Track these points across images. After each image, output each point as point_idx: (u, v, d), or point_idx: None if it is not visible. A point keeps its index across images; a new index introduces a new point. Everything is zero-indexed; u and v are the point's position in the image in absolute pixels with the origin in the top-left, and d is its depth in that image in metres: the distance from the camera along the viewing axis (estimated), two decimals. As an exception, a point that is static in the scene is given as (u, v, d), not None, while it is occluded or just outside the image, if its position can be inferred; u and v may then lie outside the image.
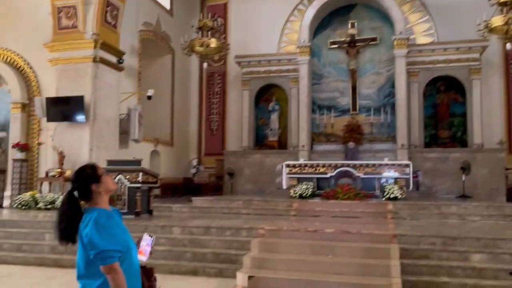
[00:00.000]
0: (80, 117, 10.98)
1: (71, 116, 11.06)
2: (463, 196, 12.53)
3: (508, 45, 12.24)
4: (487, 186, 13.05)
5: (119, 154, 11.55)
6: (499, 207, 10.01)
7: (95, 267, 2.35)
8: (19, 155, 11.53)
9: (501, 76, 14.48)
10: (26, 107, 11.96)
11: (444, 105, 14.60)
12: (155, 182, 9.50)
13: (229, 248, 7.13)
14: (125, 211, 8.69)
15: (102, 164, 9.68)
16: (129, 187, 8.84)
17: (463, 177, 12.69)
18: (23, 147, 11.51)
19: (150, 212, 9.22)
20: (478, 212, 9.67)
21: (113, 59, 11.93)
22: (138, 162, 9.20)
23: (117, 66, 12.08)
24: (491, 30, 12.16)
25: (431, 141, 14.46)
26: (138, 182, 8.84)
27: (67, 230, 2.42)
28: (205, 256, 7.01)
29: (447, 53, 14.07)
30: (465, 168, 12.75)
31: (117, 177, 8.80)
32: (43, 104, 11.24)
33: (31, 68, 12.05)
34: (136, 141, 12.37)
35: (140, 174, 8.87)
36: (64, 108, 11.11)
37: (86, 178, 2.51)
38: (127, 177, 8.83)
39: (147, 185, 9.09)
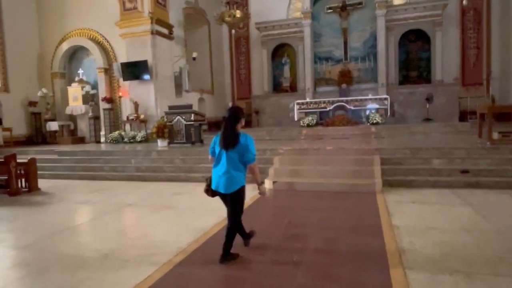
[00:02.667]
0: (146, 76, 10.76)
1: (140, 75, 10.84)
2: (427, 119, 12.19)
3: (464, 2, 11.12)
4: (445, 111, 12.65)
5: (176, 101, 11.40)
6: (453, 125, 9.64)
7: (240, 164, 3.04)
8: (107, 105, 11.55)
9: (458, 28, 13.38)
10: (107, 71, 11.78)
11: (414, 52, 13.80)
12: (203, 120, 9.38)
13: (258, 164, 7.08)
14: (184, 141, 8.71)
15: (164, 109, 9.63)
16: (185, 124, 8.76)
17: (427, 105, 12.25)
18: (109, 100, 11.50)
19: (201, 141, 9.20)
20: (437, 129, 9.36)
21: (165, 31, 11.41)
22: (190, 106, 9.04)
23: (169, 36, 11.58)
24: (453, -11, 11.03)
25: (404, 80, 13.81)
26: (191, 121, 8.74)
27: (233, 141, 2.97)
28: (242, 170, 7.03)
29: (416, 11, 13.16)
30: (429, 99, 12.30)
31: (176, 118, 8.72)
32: (119, 67, 11.02)
33: (107, 41, 11.71)
34: (187, 91, 12.16)
35: (192, 115, 8.73)
36: (134, 70, 10.88)
37: (240, 115, 3.08)
38: (183, 117, 8.72)
39: (197, 122, 8.98)
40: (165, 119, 8.81)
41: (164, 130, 8.53)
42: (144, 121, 10.71)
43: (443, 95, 12.77)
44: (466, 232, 3.63)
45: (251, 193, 5.71)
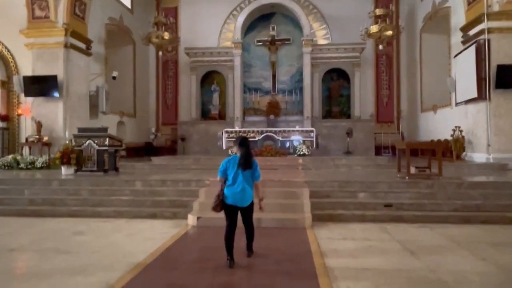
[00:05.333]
0: (55, 93, 9.42)
1: (47, 92, 9.48)
2: (348, 152, 12.77)
3: (380, 47, 12.29)
4: (363, 145, 13.41)
5: (90, 123, 10.20)
6: (373, 159, 10.18)
7: (251, 181, 3.74)
8: (1, 124, 9.75)
9: (373, 69, 14.77)
10: (5, 84, 10.06)
11: (336, 88, 14.71)
12: (120, 146, 8.38)
13: (181, 196, 6.41)
14: (94, 169, 7.59)
15: (73, 131, 8.41)
16: (97, 150, 7.68)
17: (348, 139, 12.90)
18: (4, 118, 9.75)
19: (116, 169, 8.15)
20: (359, 163, 9.75)
21: (82, 45, 10.33)
22: (104, 129, 8.02)
23: (86, 52, 10.49)
24: (369, 35, 12.14)
25: (327, 114, 14.53)
26: (105, 146, 7.70)
27: (251, 163, 3.71)
28: (162, 203, 6.25)
29: (338, 51, 14.14)
30: (349, 133, 12.96)
31: (87, 142, 7.61)
32: (21, 81, 9.51)
33: (8, 51, 10.08)
34: (104, 113, 10.99)
35: (107, 139, 7.71)
36: (40, 85, 9.51)
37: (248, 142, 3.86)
38: (96, 141, 7.65)
39: (113, 148, 7.97)
40: (73, 143, 7.63)
41: (71, 156, 7.34)
42: (48, 144, 9.23)
43: (361, 130, 13.61)
44: (399, 272, 3.47)
45: (171, 231, 5.00)
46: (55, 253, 4.13)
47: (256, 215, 5.38)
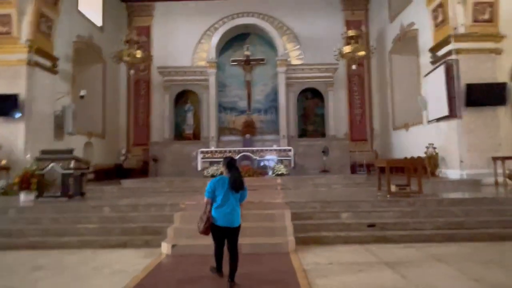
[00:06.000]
0: (15, 113, 8.76)
1: (6, 112, 8.78)
2: (324, 171, 12.74)
3: (353, 66, 12.56)
4: (338, 163, 13.37)
5: (55, 145, 9.50)
6: (351, 177, 10.12)
7: (239, 202, 3.82)
8: (-47, 147, 8.89)
9: (345, 89, 15.02)
10: (-40, 103, 9.24)
11: (311, 107, 14.77)
12: (87, 168, 7.81)
13: (154, 222, 5.94)
14: (58, 194, 6.96)
15: (36, 154, 7.77)
16: (62, 173, 7.08)
17: (324, 158, 12.89)
18: (-44, 140, 8.89)
19: (82, 194, 7.53)
20: (338, 181, 9.65)
21: (48, 63, 9.77)
22: (70, 151, 7.44)
23: (52, 70, 9.93)
24: (343, 56, 12.40)
25: (303, 133, 14.48)
26: (70, 169, 7.12)
27: (242, 185, 3.78)
28: (133, 230, 5.76)
29: (312, 71, 14.25)
30: (325, 151, 12.99)
31: (50, 165, 7.00)
32: (-22, 100, 8.77)
33: (-35, 67, 9.34)
34: (71, 134, 10.33)
35: (72, 161, 7.15)
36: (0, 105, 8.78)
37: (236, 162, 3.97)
38: (60, 164, 7.06)
39: (79, 171, 7.39)
40: (35, 166, 7.00)
41: (31, 180, 6.70)
42: (6, 168, 8.47)
43: (337, 149, 13.61)
44: (394, 300, 3.25)
45: (143, 262, 4.54)
46: (8, 294, 3.59)
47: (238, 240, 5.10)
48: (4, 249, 5.32)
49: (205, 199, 3.77)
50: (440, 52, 9.91)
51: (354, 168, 13.86)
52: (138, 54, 10.78)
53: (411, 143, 12.07)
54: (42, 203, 6.66)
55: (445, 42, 9.59)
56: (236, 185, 3.70)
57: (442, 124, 9.94)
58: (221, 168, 4.45)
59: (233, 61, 14.50)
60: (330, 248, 5.10)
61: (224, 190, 3.69)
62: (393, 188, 6.57)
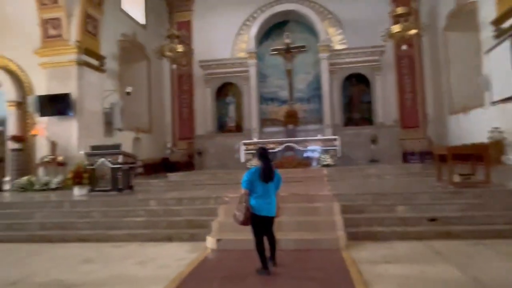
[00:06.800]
0: (68, 112, 9.17)
1: (61, 111, 9.23)
2: (373, 161, 12.02)
3: (403, 47, 11.60)
4: (388, 152, 12.62)
5: (105, 141, 9.83)
6: (405, 167, 9.36)
7: (275, 191, 3.82)
8: (16, 145, 9.53)
9: (394, 72, 13.98)
10: (21, 105, 9.89)
11: (356, 94, 13.97)
12: (134, 163, 7.95)
13: (199, 215, 5.84)
14: (108, 188, 7.15)
15: (83, 149, 8.04)
16: (111, 168, 7.25)
17: (372, 147, 12.16)
18: (19, 139, 9.52)
19: (131, 187, 7.68)
20: (390, 172, 8.97)
21: (95, 62, 10.11)
22: (117, 146, 7.60)
23: (99, 68, 10.26)
24: (391, 36, 11.46)
25: (348, 121, 13.77)
26: (119, 163, 7.27)
27: (273, 175, 3.73)
28: (178, 223, 5.70)
29: (356, 56, 13.44)
30: (374, 140, 12.27)
31: (100, 160, 7.20)
32: (36, 101, 9.31)
33: (23, 71, 9.95)
34: (119, 130, 10.66)
35: (120, 156, 7.29)
36: (54, 105, 9.28)
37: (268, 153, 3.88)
38: (109, 159, 7.24)
39: (127, 165, 7.52)
40: (86, 162, 7.24)
41: (83, 175, 6.93)
42: (62, 164, 8.92)
43: (386, 137, 12.82)
44: (470, 309, 2.76)
45: (188, 257, 4.41)
46: (58, 286, 3.61)
47: (280, 235, 4.80)
48: (58, 241, 5.52)
49: (243, 190, 3.71)
50: (505, 24, 8.73)
51: (406, 157, 12.94)
52: (179, 48, 10.80)
53: (471, 128, 10.90)
54: (94, 197, 6.87)
55: (510, 12, 8.41)
56: (265, 175, 3.66)
57: (510, 105, 8.79)
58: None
59: (273, 50, 14.05)
60: (385, 245, 4.63)
61: (261, 181, 3.69)
62: (456, 178, 5.85)
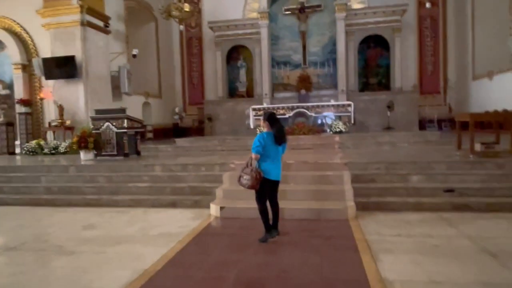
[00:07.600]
0: (74, 75, 8.92)
1: (66, 74, 8.99)
2: (389, 128, 11.54)
3: (427, 4, 10.68)
4: (405, 119, 12.06)
5: (113, 106, 9.61)
6: (422, 134, 8.89)
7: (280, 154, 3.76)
8: (24, 109, 9.46)
9: (415, 34, 13.09)
10: (26, 68, 9.69)
11: (373, 58, 13.24)
12: (140, 127, 7.75)
13: (203, 182, 5.68)
14: (114, 153, 7.03)
15: (90, 113, 7.88)
16: (116, 132, 7.09)
17: (388, 114, 11.62)
18: (26, 102, 9.43)
19: (138, 153, 7.55)
20: (406, 139, 8.55)
21: (100, 23, 9.68)
22: (122, 110, 7.40)
23: (104, 30, 9.84)
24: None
25: (364, 87, 13.15)
26: (124, 128, 7.08)
27: (285, 137, 3.69)
28: (182, 190, 5.56)
29: (376, 16, 12.58)
30: (390, 106, 11.69)
31: (105, 124, 7.03)
32: (40, 64, 9.08)
33: (27, 33, 9.66)
34: (127, 94, 10.44)
35: (125, 120, 7.08)
36: (59, 67, 9.01)
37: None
38: (114, 124, 7.05)
39: (133, 130, 7.34)
40: (91, 126, 7.09)
41: (88, 140, 6.80)
42: (70, 128, 8.83)
43: (403, 103, 12.18)
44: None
45: (190, 224, 4.28)
46: (56, 254, 3.55)
47: (285, 204, 4.59)
48: (64, 205, 5.49)
49: (253, 154, 3.57)
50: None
51: (423, 125, 12.39)
52: (186, 7, 10.19)
53: (495, 95, 10.20)
54: (100, 162, 6.78)
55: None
56: (280, 136, 3.59)
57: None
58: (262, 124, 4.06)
59: (286, 9, 13.22)
60: (397, 216, 4.37)
61: (273, 145, 3.60)
62: (477, 147, 5.43)
